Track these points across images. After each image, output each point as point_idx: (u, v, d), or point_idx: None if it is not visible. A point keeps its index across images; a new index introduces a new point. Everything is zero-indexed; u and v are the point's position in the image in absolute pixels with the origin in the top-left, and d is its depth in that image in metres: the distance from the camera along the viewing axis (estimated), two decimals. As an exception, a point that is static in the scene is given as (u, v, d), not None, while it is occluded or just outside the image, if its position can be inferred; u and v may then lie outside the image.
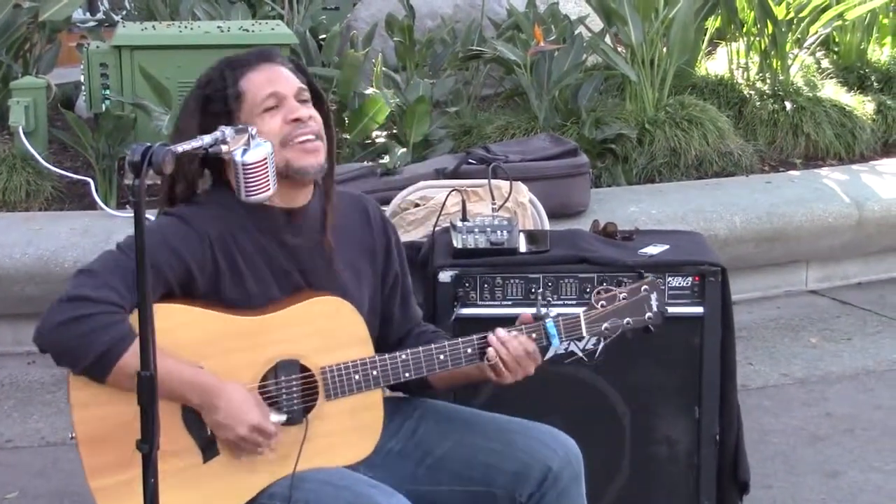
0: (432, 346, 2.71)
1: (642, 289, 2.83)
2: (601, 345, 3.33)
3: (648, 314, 2.82)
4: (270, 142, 2.55)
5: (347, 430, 2.67)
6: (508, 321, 3.26)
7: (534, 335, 2.74)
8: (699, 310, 3.36)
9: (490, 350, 2.69)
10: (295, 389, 2.63)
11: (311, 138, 2.66)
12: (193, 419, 2.55)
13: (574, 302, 3.33)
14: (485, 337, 2.71)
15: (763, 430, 4.30)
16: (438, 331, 2.96)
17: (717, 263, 3.38)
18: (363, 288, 2.80)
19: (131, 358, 2.40)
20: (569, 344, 3.30)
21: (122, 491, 2.48)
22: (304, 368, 2.63)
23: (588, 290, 3.33)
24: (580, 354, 3.34)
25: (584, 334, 2.79)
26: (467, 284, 3.34)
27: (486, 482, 2.74)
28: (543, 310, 2.81)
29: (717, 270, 3.36)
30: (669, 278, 3.35)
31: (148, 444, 2.25)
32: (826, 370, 4.99)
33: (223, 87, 2.66)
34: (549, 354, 3.02)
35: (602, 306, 2.79)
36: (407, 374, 2.69)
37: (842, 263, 6.05)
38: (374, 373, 2.66)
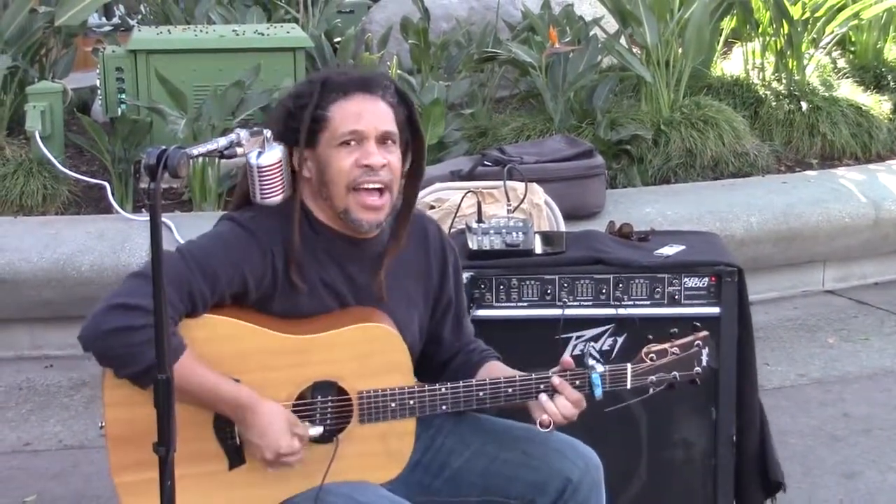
0: (473, 382, 2.67)
1: (695, 344, 2.77)
2: (616, 347, 3.33)
3: (697, 369, 2.76)
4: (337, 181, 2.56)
5: (376, 454, 2.66)
6: (525, 323, 3.29)
7: (577, 382, 2.68)
8: (716, 310, 3.35)
9: (545, 418, 2.63)
10: (330, 410, 2.61)
11: (375, 194, 2.60)
12: (224, 426, 2.56)
13: (590, 302, 3.33)
14: (529, 379, 2.66)
15: (780, 430, 4.28)
16: (487, 350, 2.89)
17: (733, 264, 3.37)
18: (413, 313, 2.78)
19: (176, 372, 2.35)
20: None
21: (144, 489, 2.47)
22: (341, 391, 2.61)
23: (604, 290, 3.33)
24: (595, 356, 3.33)
25: (629, 386, 2.75)
26: (483, 286, 3.34)
27: (504, 493, 2.73)
28: (591, 361, 2.73)
29: (733, 271, 3.35)
30: (686, 279, 3.34)
31: (164, 447, 2.25)
32: (843, 370, 4.97)
33: (311, 107, 2.60)
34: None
35: (651, 360, 2.74)
36: (444, 407, 2.66)
37: (859, 263, 6.04)
38: (412, 402, 2.63)
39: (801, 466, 4.07)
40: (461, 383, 2.66)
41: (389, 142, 2.63)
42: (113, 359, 2.47)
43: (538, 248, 3.43)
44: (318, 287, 2.64)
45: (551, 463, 2.71)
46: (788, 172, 6.30)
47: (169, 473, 2.27)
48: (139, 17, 7.69)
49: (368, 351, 2.61)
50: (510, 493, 2.73)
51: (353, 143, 2.59)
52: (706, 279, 3.35)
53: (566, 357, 2.72)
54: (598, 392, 2.70)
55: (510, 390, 2.67)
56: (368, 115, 2.60)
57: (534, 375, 2.67)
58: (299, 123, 2.60)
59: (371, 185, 2.59)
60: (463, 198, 3.78)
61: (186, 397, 2.46)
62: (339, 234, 2.66)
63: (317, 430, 2.57)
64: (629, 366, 2.73)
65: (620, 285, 3.33)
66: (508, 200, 3.85)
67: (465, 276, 3.31)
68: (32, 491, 3.97)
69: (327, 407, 2.60)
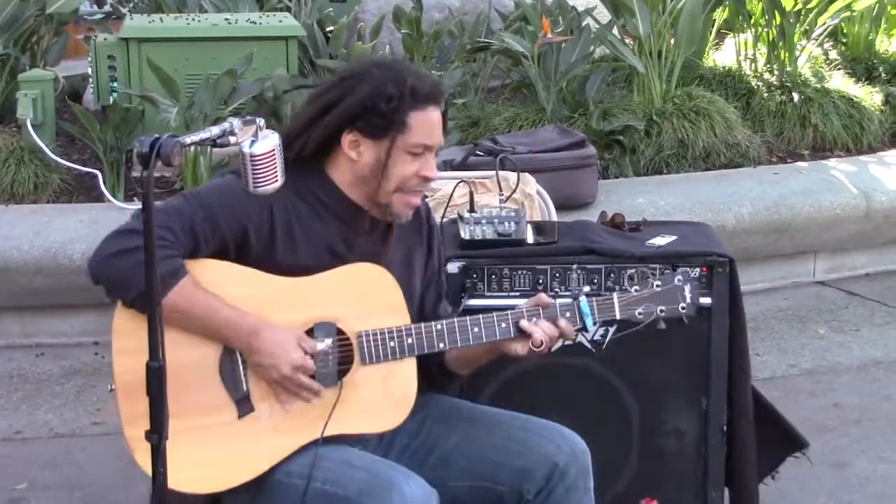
0: (467, 318, 2.75)
1: (676, 279, 2.85)
2: (608, 336, 3.34)
3: (682, 304, 2.84)
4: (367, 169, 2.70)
5: (380, 398, 2.71)
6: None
7: (567, 314, 2.77)
8: (707, 301, 3.35)
9: (536, 336, 2.72)
10: (331, 351, 2.67)
11: (419, 196, 2.78)
12: (230, 374, 2.61)
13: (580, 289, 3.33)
14: (518, 311, 2.75)
15: (771, 421, 4.30)
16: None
17: (725, 255, 3.37)
18: (412, 280, 2.87)
19: (179, 294, 2.52)
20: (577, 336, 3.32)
21: None
22: (340, 332, 2.68)
23: (595, 280, 3.33)
24: (588, 346, 3.34)
25: (618, 316, 2.81)
26: (475, 275, 3.34)
27: (491, 479, 2.75)
28: (578, 292, 2.83)
29: (725, 261, 3.36)
30: (677, 269, 3.35)
31: (157, 435, 2.25)
32: (834, 361, 4.99)
33: (391, 110, 2.69)
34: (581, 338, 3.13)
35: (636, 291, 2.82)
36: (441, 345, 2.73)
37: (850, 254, 6.05)
38: (409, 340, 2.71)
39: (791, 457, 4.07)
40: (455, 320, 2.75)
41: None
42: (118, 283, 2.56)
43: (530, 237, 3.43)
44: (318, 241, 2.71)
45: (537, 448, 2.74)
46: (780, 163, 6.30)
47: (162, 461, 2.27)
48: (131, 5, 7.65)
49: (364, 292, 2.70)
50: (498, 479, 2.75)
51: (419, 154, 2.73)
52: (697, 270, 3.35)
53: (542, 296, 2.79)
54: (590, 322, 2.78)
55: (503, 324, 2.75)
56: (437, 130, 2.76)
57: (524, 309, 2.75)
58: (383, 122, 2.69)
59: (420, 192, 2.76)
60: (455, 187, 3.78)
61: (191, 323, 2.57)
62: (353, 203, 2.76)
63: (324, 344, 2.64)
64: (615, 294, 2.81)
65: (612, 275, 3.33)
66: (500, 190, 3.85)
67: (457, 265, 3.32)
68: (23, 479, 3.97)
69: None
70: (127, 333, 2.56)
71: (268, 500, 2.64)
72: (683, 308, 2.85)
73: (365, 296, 2.70)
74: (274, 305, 2.64)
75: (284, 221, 2.68)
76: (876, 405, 4.54)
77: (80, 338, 5.07)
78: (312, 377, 2.65)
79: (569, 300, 2.79)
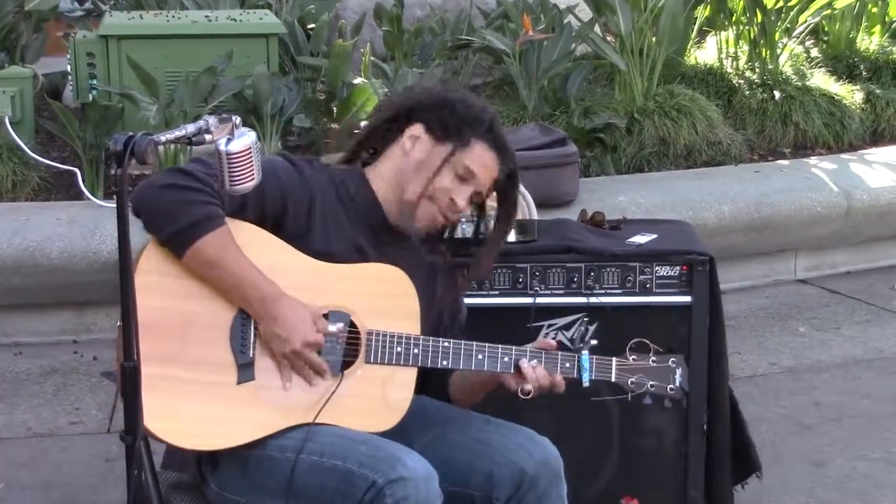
0: (473, 344, 2.75)
1: (671, 360, 2.86)
2: (589, 334, 3.33)
3: (671, 386, 2.86)
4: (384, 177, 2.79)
5: (375, 399, 2.71)
6: (496, 311, 3.28)
7: (567, 365, 2.79)
8: (687, 299, 3.36)
9: (527, 386, 2.75)
10: (340, 340, 2.67)
11: (442, 221, 2.82)
12: (239, 338, 2.60)
13: (562, 291, 3.34)
14: (522, 350, 2.77)
15: (751, 419, 4.25)
16: None
17: (705, 253, 3.37)
18: (431, 291, 2.88)
19: (213, 241, 2.53)
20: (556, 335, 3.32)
21: (156, 385, 2.47)
22: (352, 325, 2.69)
23: (576, 279, 3.33)
24: (568, 344, 3.34)
25: (612, 379, 2.84)
26: (455, 274, 3.32)
27: (462, 482, 2.74)
28: (580, 345, 2.93)
29: (705, 260, 3.36)
30: (657, 267, 3.35)
31: (132, 436, 2.24)
32: (814, 359, 5.00)
33: (467, 119, 2.77)
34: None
35: (633, 360, 2.84)
36: (445, 363, 2.74)
37: (830, 252, 6.06)
38: (416, 350, 2.72)
39: (771, 455, 4.08)
40: (463, 342, 2.76)
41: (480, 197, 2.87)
42: (159, 215, 2.55)
43: (510, 236, 3.42)
44: (350, 244, 2.73)
45: (507, 453, 2.73)
46: (761, 161, 6.31)
47: (137, 463, 2.26)
48: (111, 2, 7.61)
49: (383, 291, 2.72)
50: (468, 482, 2.74)
51: (463, 179, 2.77)
52: (678, 268, 3.35)
53: (549, 342, 2.82)
54: (587, 377, 2.80)
55: (506, 359, 2.76)
56: (488, 173, 2.81)
57: (528, 349, 2.78)
58: (452, 119, 2.77)
59: (444, 215, 2.80)
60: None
61: (216, 272, 2.57)
62: (384, 216, 2.80)
63: (336, 326, 2.64)
64: (615, 360, 2.83)
65: (592, 274, 3.33)
66: (481, 188, 3.83)
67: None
68: (1, 479, 3.94)
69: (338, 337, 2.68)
70: (149, 270, 2.55)
71: (260, 475, 2.62)
72: (671, 390, 2.86)
73: (383, 296, 2.72)
74: (296, 282, 2.65)
75: (322, 212, 2.71)
76: (856, 403, 4.55)
77: (59, 336, 5.04)
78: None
79: (571, 353, 2.81)
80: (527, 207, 4.07)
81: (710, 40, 7.17)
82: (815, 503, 3.83)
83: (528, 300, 3.32)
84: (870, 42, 7.52)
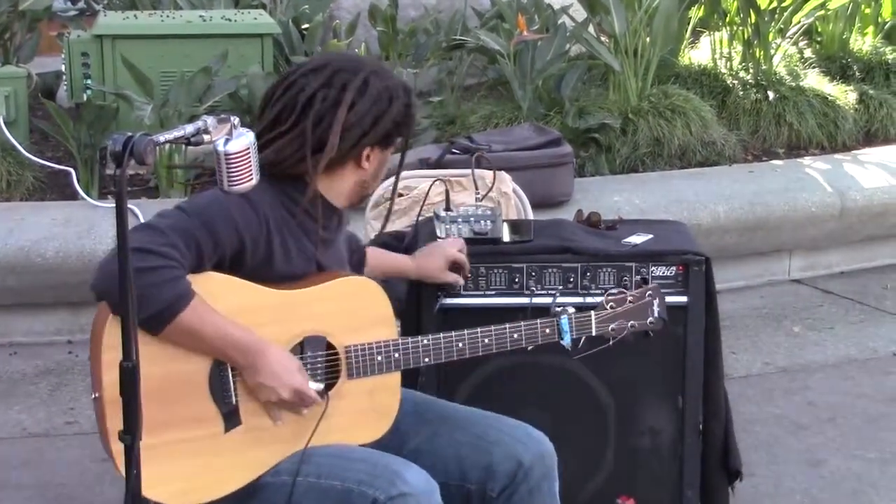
0: (452, 333, 2.78)
1: (647, 294, 2.93)
2: (558, 297, 3.34)
3: (650, 319, 2.94)
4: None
5: (364, 411, 2.71)
6: (493, 311, 3.28)
7: (547, 331, 2.85)
8: (683, 299, 3.35)
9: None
10: (319, 366, 2.67)
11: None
12: (220, 387, 2.58)
13: (558, 291, 3.33)
14: (502, 328, 2.84)
15: (745, 419, 4.31)
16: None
17: (700, 253, 3.38)
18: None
19: (189, 316, 2.48)
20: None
21: (148, 455, 2.39)
22: (329, 346, 2.68)
23: (572, 279, 3.33)
24: (564, 344, 3.33)
25: (594, 333, 2.89)
26: (451, 274, 3.33)
27: (459, 476, 2.75)
28: (559, 308, 2.91)
29: (700, 260, 3.36)
30: (653, 268, 3.35)
31: (130, 435, 2.23)
32: (809, 359, 5.00)
33: (407, 121, 2.84)
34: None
35: (611, 307, 2.90)
36: (427, 360, 2.76)
37: (824, 253, 6.07)
38: (396, 355, 2.72)
39: (766, 454, 4.09)
40: (441, 335, 2.77)
41: None
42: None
43: (506, 236, 3.42)
44: (310, 256, 2.72)
45: (504, 446, 2.75)
46: (755, 162, 6.32)
47: (134, 462, 2.25)
48: (105, 1, 7.61)
49: (353, 305, 2.71)
50: (466, 476, 2.75)
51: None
52: (673, 268, 3.35)
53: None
54: (567, 339, 2.86)
55: (486, 340, 2.80)
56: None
57: (507, 326, 2.83)
58: (395, 131, 2.81)
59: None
60: (431, 186, 3.78)
61: (198, 342, 2.53)
62: (329, 203, 2.77)
63: (318, 386, 2.62)
64: (593, 313, 2.90)
65: (588, 274, 3.33)
66: (477, 189, 3.84)
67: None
68: (-3, 479, 3.95)
69: (318, 362, 2.66)
70: (113, 348, 2.45)
71: (257, 502, 2.62)
72: (651, 323, 2.94)
73: (355, 310, 2.71)
74: (267, 317, 2.61)
75: (278, 231, 2.67)
76: (850, 403, 4.56)
77: (54, 336, 5.03)
78: None
79: (550, 319, 2.87)
80: (522, 207, 4.08)
81: (704, 41, 7.18)
82: (809, 503, 3.84)
83: (525, 300, 3.32)
84: (863, 43, 7.53)
